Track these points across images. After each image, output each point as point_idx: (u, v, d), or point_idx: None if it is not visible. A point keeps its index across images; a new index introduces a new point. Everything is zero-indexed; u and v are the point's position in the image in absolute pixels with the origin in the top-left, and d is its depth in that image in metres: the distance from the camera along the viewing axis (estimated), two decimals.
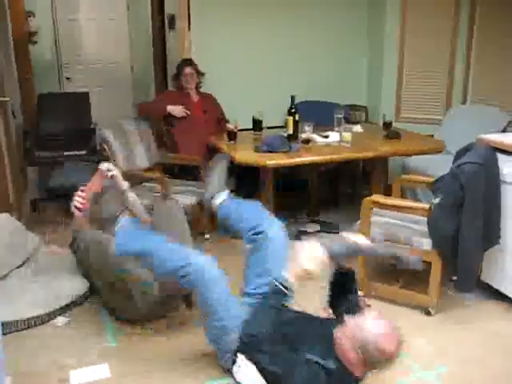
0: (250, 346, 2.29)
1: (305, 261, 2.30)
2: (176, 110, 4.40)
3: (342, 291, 2.48)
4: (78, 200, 2.77)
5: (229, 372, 2.43)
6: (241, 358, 2.34)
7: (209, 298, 2.38)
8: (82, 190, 2.80)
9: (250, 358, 2.30)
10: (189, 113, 4.42)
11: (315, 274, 2.29)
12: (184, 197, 3.88)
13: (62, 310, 3.08)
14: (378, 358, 2.13)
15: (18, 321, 2.89)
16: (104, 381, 2.52)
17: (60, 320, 3.02)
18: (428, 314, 3.08)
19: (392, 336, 2.15)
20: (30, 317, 2.93)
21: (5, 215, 3.47)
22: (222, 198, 2.86)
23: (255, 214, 2.75)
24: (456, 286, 3.06)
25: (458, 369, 2.61)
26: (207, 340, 2.49)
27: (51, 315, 3.01)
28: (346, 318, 2.21)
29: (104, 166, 2.83)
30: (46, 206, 4.83)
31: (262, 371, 2.26)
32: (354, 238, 2.44)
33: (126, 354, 2.72)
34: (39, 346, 2.79)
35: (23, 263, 3.41)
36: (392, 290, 3.25)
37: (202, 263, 2.42)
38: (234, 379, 2.40)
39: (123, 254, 2.70)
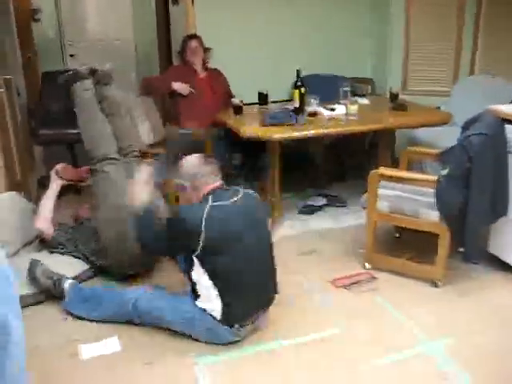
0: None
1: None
2: (181, 87, 4.37)
3: None
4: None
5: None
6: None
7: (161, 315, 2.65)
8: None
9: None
10: (193, 91, 4.38)
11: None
12: None
13: None
14: (194, 173, 2.58)
15: (28, 295, 2.91)
16: (114, 354, 2.55)
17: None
18: (435, 285, 3.08)
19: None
20: (36, 291, 2.95)
21: (13, 193, 3.48)
22: None
23: None
24: (463, 257, 3.05)
25: (463, 340, 2.61)
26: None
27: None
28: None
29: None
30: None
31: None
32: None
33: (136, 326, 2.73)
34: (49, 321, 2.82)
35: (32, 240, 3.44)
36: (399, 262, 3.25)
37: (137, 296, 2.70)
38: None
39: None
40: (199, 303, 2.52)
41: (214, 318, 2.48)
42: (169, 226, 2.50)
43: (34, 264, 3.01)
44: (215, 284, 2.45)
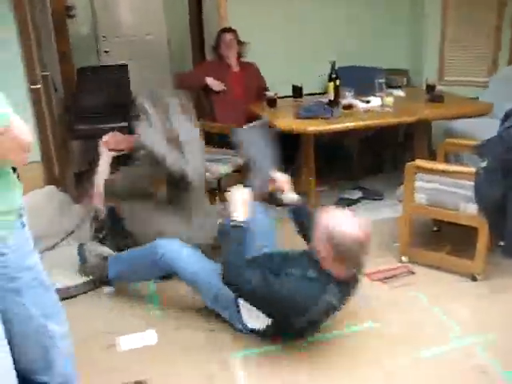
0: (239, 289, 2.43)
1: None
2: (213, 83, 4.38)
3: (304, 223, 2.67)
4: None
5: (247, 329, 2.56)
6: (241, 303, 2.50)
7: (189, 272, 2.62)
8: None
9: (247, 299, 2.47)
10: (225, 88, 4.37)
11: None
12: (217, 165, 3.86)
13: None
14: (345, 245, 2.22)
15: (68, 287, 2.96)
16: (152, 347, 2.58)
17: (105, 289, 3.08)
18: (474, 280, 3.03)
19: (355, 221, 2.28)
20: (79, 283, 3.01)
21: (51, 187, 3.55)
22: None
23: None
24: (502, 252, 2.98)
25: (501, 337, 2.56)
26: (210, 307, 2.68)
27: (97, 283, 3.08)
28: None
29: None
30: (90, 179, 4.91)
31: (257, 305, 2.43)
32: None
33: (173, 320, 2.77)
34: (87, 313, 2.87)
35: (70, 234, 3.50)
36: (437, 256, 3.20)
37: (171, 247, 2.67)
38: (249, 329, 2.55)
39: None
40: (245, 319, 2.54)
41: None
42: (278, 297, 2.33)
43: (80, 247, 3.08)
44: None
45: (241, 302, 2.51)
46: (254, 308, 2.45)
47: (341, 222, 2.26)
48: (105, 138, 3.35)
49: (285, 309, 2.34)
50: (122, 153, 3.35)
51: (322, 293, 2.28)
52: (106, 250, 3.06)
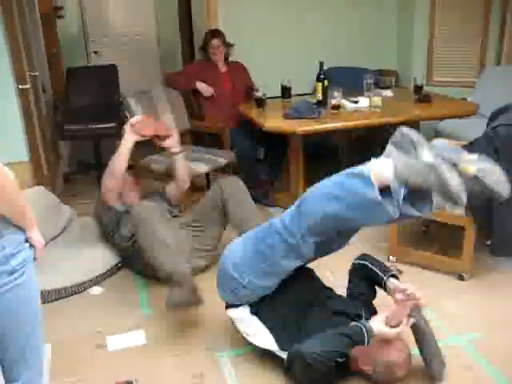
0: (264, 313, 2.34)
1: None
2: (204, 89, 4.40)
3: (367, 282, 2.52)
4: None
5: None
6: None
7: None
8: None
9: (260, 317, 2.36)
10: (214, 94, 4.39)
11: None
12: (195, 164, 3.84)
13: (98, 280, 3.15)
14: (384, 378, 2.18)
15: (56, 289, 2.97)
16: (140, 347, 2.58)
17: (95, 289, 3.10)
18: (461, 279, 3.05)
19: (406, 363, 2.19)
20: (67, 286, 3.01)
21: (40, 188, 3.53)
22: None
23: None
24: (491, 251, 3.01)
25: (489, 335, 2.59)
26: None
27: (87, 284, 3.09)
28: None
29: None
30: (78, 179, 4.91)
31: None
32: None
33: (161, 321, 2.77)
34: (76, 314, 2.87)
35: (58, 234, 3.49)
36: (425, 255, 3.22)
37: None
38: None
39: None
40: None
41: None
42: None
43: None
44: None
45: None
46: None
47: (393, 361, 2.17)
48: (132, 120, 3.16)
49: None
50: (147, 138, 3.18)
51: None
52: None
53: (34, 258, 1.65)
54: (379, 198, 1.95)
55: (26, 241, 1.61)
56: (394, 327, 2.15)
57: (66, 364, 2.41)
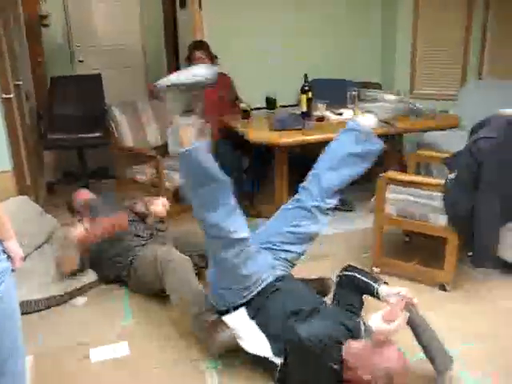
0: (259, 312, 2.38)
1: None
2: None
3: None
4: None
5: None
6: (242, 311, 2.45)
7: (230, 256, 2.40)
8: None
9: (253, 317, 2.41)
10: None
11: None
12: (177, 174, 3.89)
13: (80, 291, 3.12)
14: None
15: (38, 300, 2.94)
16: (123, 358, 2.57)
17: (79, 300, 3.07)
18: (444, 289, 3.08)
19: (406, 369, 2.15)
20: (49, 296, 2.98)
21: (23, 198, 3.51)
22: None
23: None
24: (472, 262, 3.04)
25: (474, 344, 2.61)
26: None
27: (70, 295, 3.06)
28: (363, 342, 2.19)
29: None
30: (61, 189, 4.88)
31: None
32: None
33: (145, 331, 2.76)
34: (59, 325, 2.84)
35: (42, 244, 3.46)
36: (408, 266, 3.25)
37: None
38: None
39: None
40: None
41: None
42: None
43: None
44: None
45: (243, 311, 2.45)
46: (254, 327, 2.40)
47: (391, 367, 2.10)
48: (75, 232, 3.13)
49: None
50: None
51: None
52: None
53: (12, 270, 1.63)
54: None
55: (4, 252, 1.59)
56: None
57: (48, 376, 2.39)
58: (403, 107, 3.03)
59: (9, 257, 1.61)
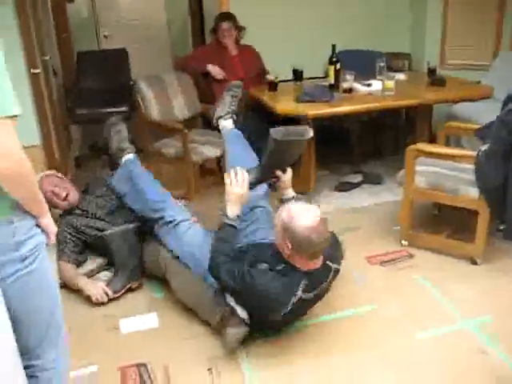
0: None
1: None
2: (215, 71, 4.35)
3: None
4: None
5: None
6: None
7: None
8: None
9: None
10: (226, 77, 4.33)
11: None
12: (206, 148, 3.93)
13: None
14: (300, 236, 2.20)
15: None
16: (152, 330, 2.60)
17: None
18: (474, 263, 3.04)
19: (309, 212, 2.25)
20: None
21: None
22: (228, 123, 3.17)
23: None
24: (503, 235, 2.98)
25: (500, 319, 2.58)
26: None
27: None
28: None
29: None
30: (89, 163, 4.92)
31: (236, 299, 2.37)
32: None
33: (173, 304, 2.78)
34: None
35: None
36: (438, 239, 3.21)
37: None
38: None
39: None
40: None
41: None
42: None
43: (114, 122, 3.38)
44: None
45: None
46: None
47: (294, 214, 2.23)
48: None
49: (258, 303, 2.28)
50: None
51: (291, 287, 2.25)
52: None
53: (47, 244, 1.64)
54: None
55: (38, 226, 1.60)
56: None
57: (78, 347, 2.42)
58: None
59: (43, 231, 1.62)
